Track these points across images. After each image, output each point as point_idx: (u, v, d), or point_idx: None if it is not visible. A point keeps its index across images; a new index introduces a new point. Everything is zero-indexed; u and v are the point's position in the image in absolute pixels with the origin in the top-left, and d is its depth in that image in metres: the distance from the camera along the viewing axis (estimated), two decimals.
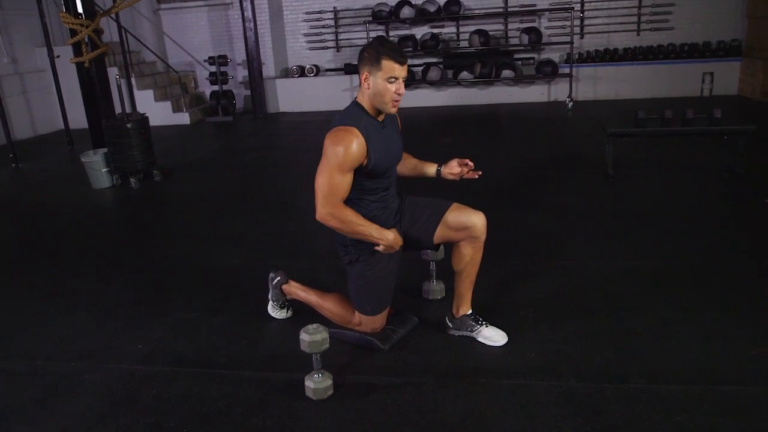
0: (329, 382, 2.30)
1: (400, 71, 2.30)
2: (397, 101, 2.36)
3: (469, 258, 2.55)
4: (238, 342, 2.77)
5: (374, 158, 2.35)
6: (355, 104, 2.42)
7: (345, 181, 2.33)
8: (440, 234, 2.55)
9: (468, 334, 2.64)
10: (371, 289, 2.53)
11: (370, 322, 2.60)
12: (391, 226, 2.53)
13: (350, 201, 2.43)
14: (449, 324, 2.69)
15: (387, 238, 2.39)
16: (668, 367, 2.36)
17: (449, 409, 2.20)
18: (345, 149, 2.27)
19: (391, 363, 2.52)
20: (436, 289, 3.05)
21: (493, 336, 2.60)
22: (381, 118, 2.45)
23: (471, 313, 2.65)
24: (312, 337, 2.21)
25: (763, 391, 2.19)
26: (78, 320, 3.09)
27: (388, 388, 2.34)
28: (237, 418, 2.21)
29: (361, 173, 2.37)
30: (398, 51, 2.31)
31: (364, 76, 2.34)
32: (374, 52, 2.29)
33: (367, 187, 2.44)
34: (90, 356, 2.72)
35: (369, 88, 2.34)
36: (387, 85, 2.30)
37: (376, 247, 2.41)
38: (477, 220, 2.48)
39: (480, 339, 2.61)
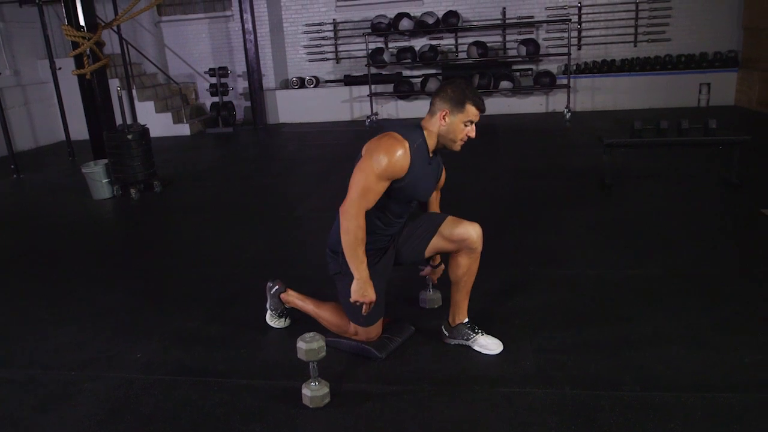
0: (326, 390, 2.32)
1: (477, 116, 2.41)
2: (464, 142, 2.44)
3: (466, 268, 2.58)
4: (236, 351, 2.79)
5: (407, 181, 2.38)
6: (419, 127, 2.45)
7: (378, 188, 2.35)
8: (435, 246, 2.58)
9: (464, 342, 2.66)
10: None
11: (365, 332, 2.62)
12: (388, 245, 2.57)
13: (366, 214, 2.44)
14: (445, 332, 2.71)
15: (364, 288, 2.39)
16: (662, 375, 2.38)
17: (445, 417, 2.22)
18: (390, 158, 2.30)
19: (388, 371, 2.54)
20: (433, 298, 3.07)
21: (488, 344, 2.63)
22: (432, 154, 2.49)
23: (467, 322, 2.67)
24: (308, 345, 2.23)
25: (756, 399, 2.21)
26: (77, 329, 3.11)
27: (385, 396, 2.36)
28: (235, 427, 2.23)
29: (389, 188, 2.39)
30: (481, 99, 2.42)
31: (443, 113, 2.38)
32: (461, 94, 2.37)
33: (384, 205, 2.45)
34: (89, 365, 2.74)
35: (444, 125, 2.39)
36: (463, 127, 2.40)
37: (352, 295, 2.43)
38: (472, 231, 2.51)
39: (476, 347, 2.63)
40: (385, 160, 2.30)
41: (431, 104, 2.44)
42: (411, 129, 2.44)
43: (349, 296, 2.47)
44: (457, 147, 2.45)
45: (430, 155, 2.48)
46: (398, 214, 2.54)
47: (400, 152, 2.31)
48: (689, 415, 2.13)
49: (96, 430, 2.27)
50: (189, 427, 2.25)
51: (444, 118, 2.39)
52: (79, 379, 2.62)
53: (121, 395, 2.48)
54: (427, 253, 2.62)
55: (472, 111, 2.37)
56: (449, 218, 2.58)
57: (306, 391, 2.31)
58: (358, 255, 2.38)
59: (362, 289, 2.40)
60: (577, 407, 2.22)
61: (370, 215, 2.46)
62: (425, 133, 2.44)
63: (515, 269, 3.51)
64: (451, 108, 2.37)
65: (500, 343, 2.63)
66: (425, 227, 2.59)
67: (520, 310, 3.00)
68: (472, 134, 2.43)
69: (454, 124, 2.38)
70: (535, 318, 2.91)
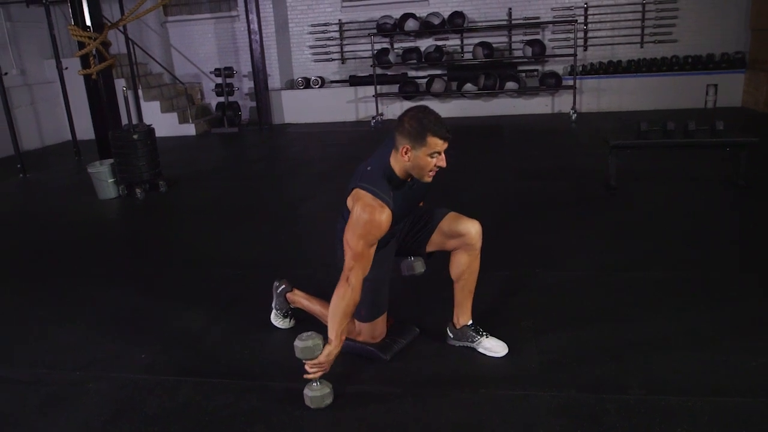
0: (327, 390, 2.31)
1: (443, 146, 2.25)
2: (434, 172, 2.32)
3: (466, 266, 2.56)
4: (240, 351, 2.79)
5: (394, 221, 2.35)
6: (387, 166, 2.33)
7: (372, 251, 2.31)
8: (435, 241, 2.57)
9: (468, 344, 2.65)
10: (364, 294, 2.53)
11: (369, 330, 2.62)
12: (390, 238, 2.55)
13: None
14: (450, 334, 2.70)
15: (332, 356, 2.29)
16: (668, 379, 2.37)
17: (449, 420, 2.21)
18: (377, 229, 2.26)
19: (392, 373, 2.53)
20: (414, 264, 2.74)
21: (493, 347, 2.62)
22: (410, 178, 2.39)
23: (471, 324, 2.66)
24: (304, 343, 2.23)
25: (763, 403, 2.19)
26: (81, 329, 3.12)
27: (389, 398, 2.35)
28: (239, 428, 2.23)
29: None
30: (444, 127, 2.24)
31: (404, 150, 2.25)
32: (419, 126, 2.21)
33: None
34: (93, 365, 2.75)
35: (408, 161, 2.27)
36: (429, 159, 2.25)
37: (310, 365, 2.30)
38: (471, 227, 2.50)
39: (480, 350, 2.62)
40: (373, 232, 2.26)
41: (393, 138, 2.29)
42: (380, 176, 2.31)
43: None
44: (428, 178, 2.31)
45: (408, 181, 2.39)
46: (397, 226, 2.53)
47: (384, 222, 2.26)
48: (696, 419, 2.12)
49: (100, 430, 2.27)
50: (192, 427, 2.25)
51: (406, 154, 2.25)
52: (84, 379, 2.63)
53: (125, 395, 2.48)
54: (428, 248, 2.61)
55: (434, 143, 2.22)
56: (450, 214, 2.56)
57: (307, 392, 2.31)
58: (342, 327, 2.31)
59: (330, 357, 2.29)
60: (583, 410, 2.20)
61: None
62: (395, 170, 2.32)
63: (520, 270, 3.50)
64: (411, 143, 2.23)
65: (505, 345, 2.62)
66: (425, 222, 2.58)
67: (524, 311, 2.99)
68: (442, 164, 2.28)
69: (419, 159, 2.24)
70: (539, 320, 2.90)
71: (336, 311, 2.30)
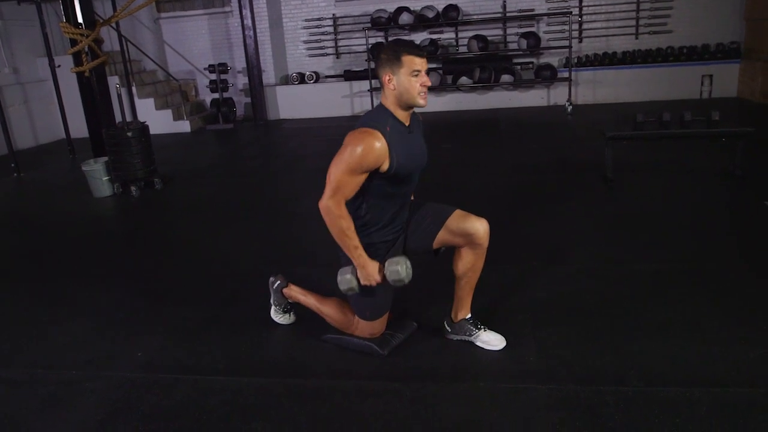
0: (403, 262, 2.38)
1: (422, 63, 2.31)
2: (425, 92, 2.36)
3: (471, 264, 2.54)
4: (237, 348, 2.77)
5: (397, 163, 2.33)
6: (381, 107, 2.42)
7: (354, 181, 2.32)
8: (442, 239, 2.55)
9: (466, 338, 2.64)
10: (371, 295, 2.54)
11: (369, 327, 2.61)
12: (399, 235, 2.54)
13: (370, 205, 2.44)
14: (448, 328, 2.70)
15: (368, 270, 2.40)
16: (666, 370, 2.37)
17: (448, 414, 2.21)
18: (363, 151, 2.26)
19: (390, 368, 2.52)
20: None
21: (491, 340, 2.61)
22: (408, 122, 2.43)
23: (470, 318, 2.66)
24: (342, 277, 2.43)
25: (761, 394, 2.19)
26: (78, 328, 3.10)
27: (387, 393, 2.35)
28: (236, 425, 2.22)
29: (383, 177, 2.36)
30: (416, 45, 2.35)
31: (387, 78, 2.33)
32: (392, 52, 2.31)
33: (388, 192, 2.43)
34: (90, 364, 2.73)
35: (395, 89, 2.33)
36: (412, 80, 2.30)
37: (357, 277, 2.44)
38: (479, 226, 2.47)
39: (478, 343, 2.62)
40: (358, 154, 2.25)
41: (379, 79, 2.38)
42: (377, 114, 2.40)
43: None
44: (421, 100, 2.35)
45: (407, 125, 2.43)
46: (405, 193, 2.51)
47: (374, 146, 2.26)
48: (694, 410, 2.12)
49: (97, 429, 2.26)
50: (190, 426, 2.24)
51: (390, 83, 2.33)
52: (81, 378, 2.61)
53: (122, 394, 2.47)
54: (435, 245, 2.60)
55: (411, 60, 2.29)
56: (457, 212, 2.53)
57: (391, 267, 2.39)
58: (348, 244, 2.37)
59: (364, 273, 2.41)
60: (581, 403, 2.20)
61: (381, 208, 2.46)
62: (390, 109, 2.39)
63: (517, 264, 3.49)
64: (391, 69, 2.31)
65: (503, 338, 2.62)
66: (432, 219, 2.55)
67: (522, 305, 2.99)
68: (428, 82, 2.34)
69: (403, 82, 2.30)
70: (538, 313, 2.89)
71: (337, 239, 2.39)
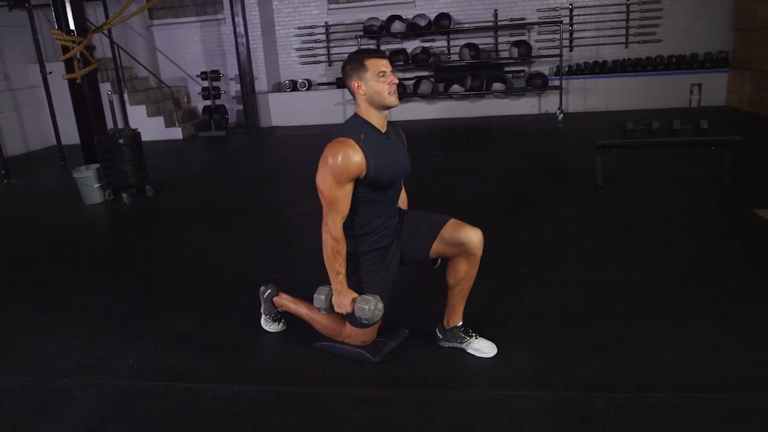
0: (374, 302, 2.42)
1: (386, 64, 2.37)
2: (394, 91, 2.40)
3: (464, 273, 2.55)
4: (229, 356, 2.77)
5: (374, 168, 2.35)
6: (355, 116, 2.45)
7: (344, 193, 2.35)
8: (436, 249, 2.56)
9: (458, 345, 2.65)
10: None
11: (360, 335, 2.61)
12: (390, 242, 2.55)
13: (355, 213, 2.45)
14: (439, 336, 2.70)
15: (342, 298, 2.47)
16: (657, 376, 2.38)
17: (440, 421, 2.21)
18: (342, 160, 2.28)
19: (382, 375, 2.53)
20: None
21: (483, 347, 2.62)
22: (384, 129, 2.46)
23: (461, 325, 2.66)
24: (318, 296, 2.53)
25: (751, 399, 2.21)
26: (69, 336, 3.08)
27: (379, 401, 2.35)
28: None
29: (363, 184, 2.38)
30: (376, 49, 2.42)
31: (356, 85, 2.37)
32: (355, 61, 2.38)
33: (371, 198, 2.45)
34: (81, 372, 2.71)
35: (365, 94, 2.37)
36: (379, 81, 2.35)
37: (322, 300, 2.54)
38: (473, 236, 2.48)
39: (470, 350, 2.62)
40: (337, 165, 2.28)
41: (349, 89, 2.44)
42: (350, 124, 2.43)
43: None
44: (392, 99, 2.39)
45: (383, 131, 2.46)
46: (389, 199, 2.53)
47: (349, 154, 2.29)
48: (684, 416, 2.13)
49: None
50: None
51: (360, 89, 2.37)
52: (71, 386, 2.60)
53: (113, 402, 2.45)
54: (431, 255, 2.60)
55: (375, 63, 2.35)
56: (451, 221, 2.53)
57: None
58: (334, 268, 2.43)
59: (338, 300, 2.48)
60: (572, 409, 2.21)
61: (366, 215, 2.47)
62: (363, 116, 2.42)
63: (508, 271, 3.51)
64: (358, 76, 2.36)
65: (494, 346, 2.62)
66: (427, 229, 2.55)
67: (514, 311, 3.00)
68: (395, 80, 2.38)
69: (372, 86, 2.35)
70: (529, 319, 2.90)
71: (325, 260, 2.44)
